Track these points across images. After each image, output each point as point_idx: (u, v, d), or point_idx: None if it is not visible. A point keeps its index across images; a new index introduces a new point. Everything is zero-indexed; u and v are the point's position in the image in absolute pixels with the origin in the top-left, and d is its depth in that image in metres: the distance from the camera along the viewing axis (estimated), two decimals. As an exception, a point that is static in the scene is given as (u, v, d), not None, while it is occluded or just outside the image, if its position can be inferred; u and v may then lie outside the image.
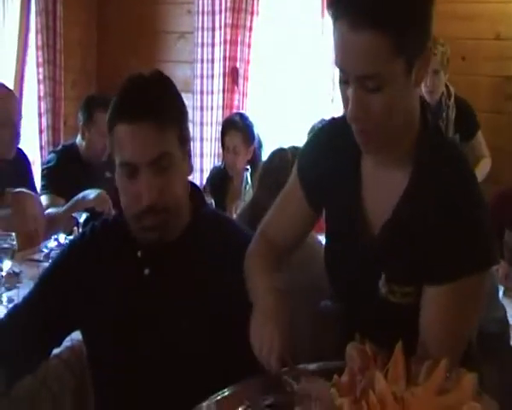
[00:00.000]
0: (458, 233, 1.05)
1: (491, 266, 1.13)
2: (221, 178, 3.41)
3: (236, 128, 3.29)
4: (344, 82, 1.04)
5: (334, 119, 1.28)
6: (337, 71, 1.06)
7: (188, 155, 1.34)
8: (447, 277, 1.06)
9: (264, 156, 3.34)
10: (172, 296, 1.30)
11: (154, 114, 1.23)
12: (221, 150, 4.07)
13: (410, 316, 1.11)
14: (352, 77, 1.01)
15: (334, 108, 3.92)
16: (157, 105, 1.25)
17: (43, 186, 3.13)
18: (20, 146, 3.07)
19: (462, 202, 1.07)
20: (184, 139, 1.31)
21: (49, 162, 3.21)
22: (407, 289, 1.12)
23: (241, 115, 3.45)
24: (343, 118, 1.15)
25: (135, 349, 1.30)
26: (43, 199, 2.98)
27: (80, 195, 2.80)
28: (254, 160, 3.30)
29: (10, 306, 1.66)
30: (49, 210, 2.85)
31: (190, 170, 1.37)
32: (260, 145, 3.39)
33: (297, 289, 1.94)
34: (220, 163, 3.58)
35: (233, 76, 4.20)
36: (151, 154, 1.23)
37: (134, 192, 1.25)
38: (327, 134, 1.26)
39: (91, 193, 2.78)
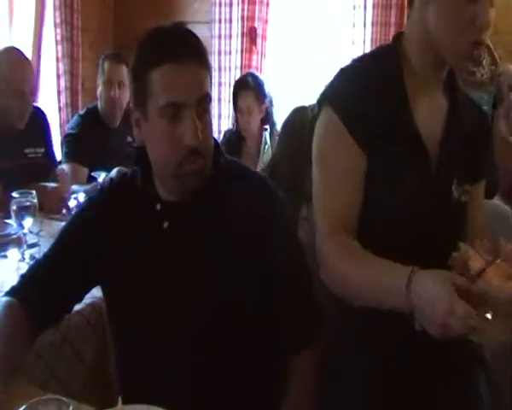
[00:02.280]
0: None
1: None
2: (236, 140, 3.39)
3: (248, 88, 3.27)
4: None
5: (354, 60, 1.42)
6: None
7: None
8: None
9: (276, 114, 3.32)
10: (192, 249, 1.30)
11: (198, 55, 1.26)
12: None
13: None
14: None
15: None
16: (199, 47, 1.28)
17: (65, 154, 3.10)
18: (39, 106, 3.07)
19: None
20: (211, 86, 1.32)
21: (72, 128, 3.18)
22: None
23: (252, 74, 3.41)
24: (367, 55, 1.45)
25: (155, 304, 1.30)
26: (66, 168, 2.96)
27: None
28: (268, 118, 3.27)
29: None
30: (73, 187, 2.75)
31: None
32: (271, 103, 3.35)
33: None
34: (232, 127, 3.55)
35: (251, 36, 4.14)
36: (198, 92, 1.24)
37: (177, 135, 1.24)
38: (362, 74, 1.35)
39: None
